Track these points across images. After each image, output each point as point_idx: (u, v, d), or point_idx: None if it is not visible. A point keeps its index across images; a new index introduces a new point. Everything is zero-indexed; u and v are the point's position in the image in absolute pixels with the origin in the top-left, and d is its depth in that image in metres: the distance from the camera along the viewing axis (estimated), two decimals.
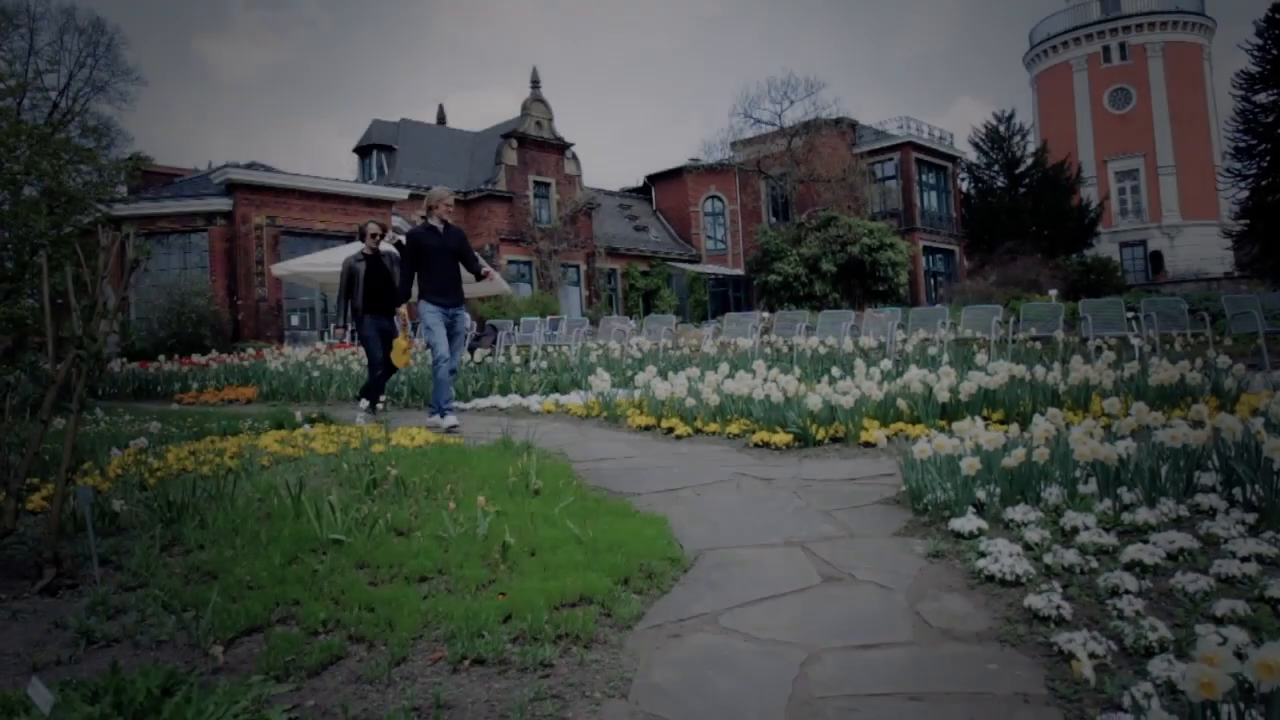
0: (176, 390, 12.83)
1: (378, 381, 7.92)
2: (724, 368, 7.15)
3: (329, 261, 17.92)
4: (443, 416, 7.07)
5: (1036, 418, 3.81)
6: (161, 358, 15.60)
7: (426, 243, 7.22)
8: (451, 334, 7.26)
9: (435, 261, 7.23)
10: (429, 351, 7.38)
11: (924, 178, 39.42)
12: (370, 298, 7.94)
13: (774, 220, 39.61)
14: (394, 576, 3.02)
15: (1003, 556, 2.82)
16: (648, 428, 6.74)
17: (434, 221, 7.30)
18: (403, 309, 7.57)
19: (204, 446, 6.05)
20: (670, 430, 6.40)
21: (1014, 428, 4.02)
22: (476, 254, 7.63)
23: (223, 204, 24.45)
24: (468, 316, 7.26)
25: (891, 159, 38.86)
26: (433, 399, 7.35)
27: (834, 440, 5.55)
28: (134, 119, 73.75)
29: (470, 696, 2.17)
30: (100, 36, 26.04)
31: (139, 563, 3.32)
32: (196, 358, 15.16)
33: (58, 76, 25.40)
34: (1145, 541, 2.87)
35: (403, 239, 7.58)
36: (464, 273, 7.56)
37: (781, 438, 5.50)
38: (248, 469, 5.06)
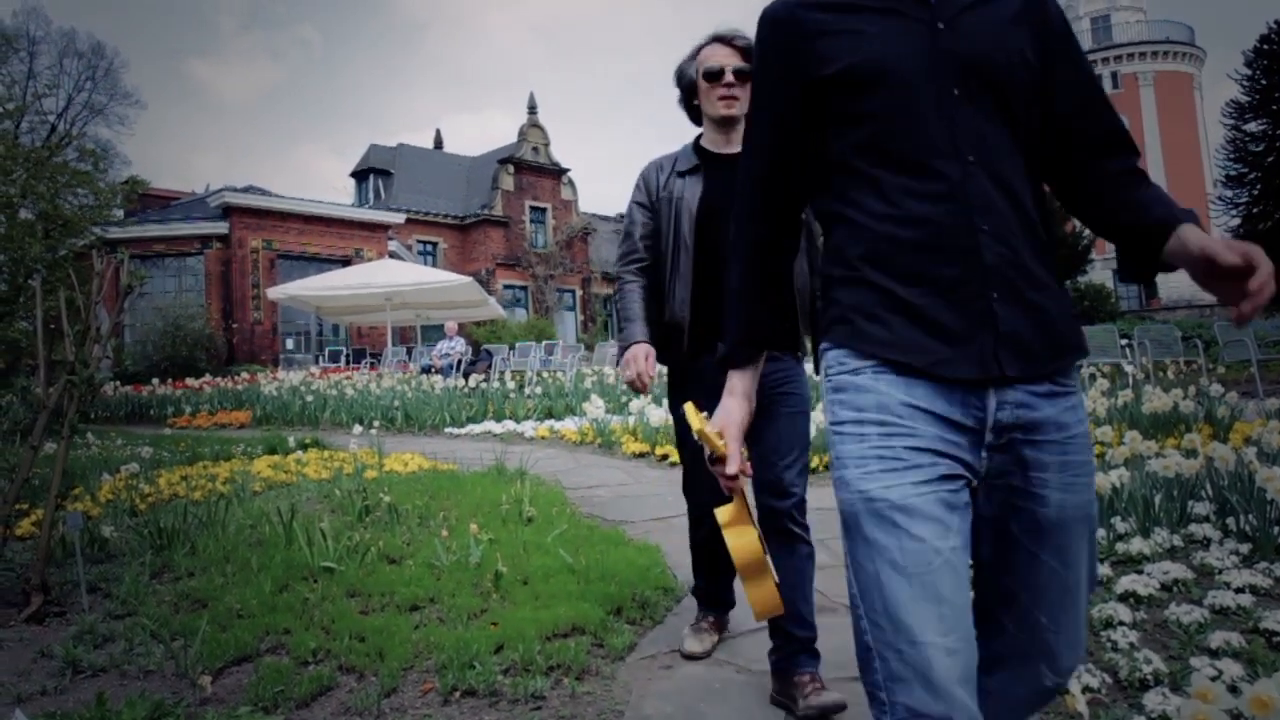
0: (170, 414, 12.79)
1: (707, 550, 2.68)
2: None
3: (327, 285, 17.99)
4: None
5: None
6: (155, 381, 15.56)
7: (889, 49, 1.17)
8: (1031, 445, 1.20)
9: (922, 120, 1.16)
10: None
11: None
12: (704, 296, 2.41)
13: None
14: (385, 605, 3.00)
15: None
16: (642, 454, 6.72)
17: None
18: None
19: (196, 472, 6.02)
20: (665, 457, 6.38)
21: None
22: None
23: (219, 227, 24.53)
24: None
25: None
26: None
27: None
28: (132, 142, 74.28)
29: None
30: (99, 60, 26.18)
31: (128, 590, 3.29)
32: (190, 381, 15.13)
33: (56, 100, 25.52)
34: (1139, 572, 2.85)
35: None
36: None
37: None
38: (239, 495, 5.04)
